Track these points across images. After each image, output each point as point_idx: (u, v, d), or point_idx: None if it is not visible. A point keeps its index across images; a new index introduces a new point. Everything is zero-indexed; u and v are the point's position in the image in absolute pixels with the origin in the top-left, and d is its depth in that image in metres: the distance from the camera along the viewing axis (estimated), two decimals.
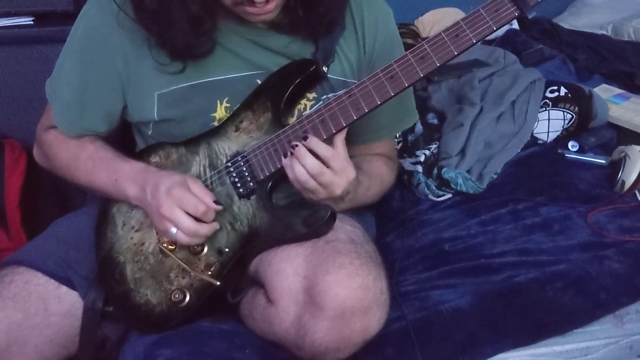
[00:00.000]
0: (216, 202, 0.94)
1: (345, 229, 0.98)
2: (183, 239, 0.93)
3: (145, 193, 0.95)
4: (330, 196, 0.92)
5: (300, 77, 0.99)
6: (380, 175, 1.11)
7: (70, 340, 1.00)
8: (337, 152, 0.91)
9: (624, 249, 1.17)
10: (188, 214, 0.91)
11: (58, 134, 1.07)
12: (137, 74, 1.00)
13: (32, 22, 1.60)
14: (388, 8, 1.12)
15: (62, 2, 1.60)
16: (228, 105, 1.01)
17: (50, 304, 0.98)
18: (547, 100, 1.55)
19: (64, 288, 1.00)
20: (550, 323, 1.03)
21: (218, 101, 1.01)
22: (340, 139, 0.92)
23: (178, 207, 0.91)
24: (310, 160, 0.89)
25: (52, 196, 1.66)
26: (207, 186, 0.97)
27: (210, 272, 0.97)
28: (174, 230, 0.92)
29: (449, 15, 2.13)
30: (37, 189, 1.60)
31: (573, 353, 1.01)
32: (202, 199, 0.92)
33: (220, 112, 1.02)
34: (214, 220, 0.95)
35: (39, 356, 0.97)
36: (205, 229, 0.93)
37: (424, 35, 2.06)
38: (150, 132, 1.05)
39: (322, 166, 0.89)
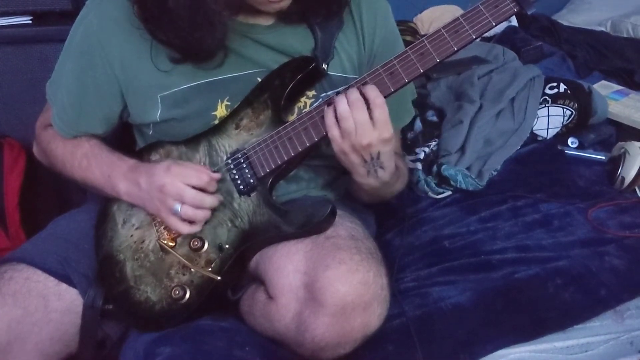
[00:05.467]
0: (214, 171, 0.96)
1: (346, 226, 0.98)
2: (188, 212, 0.93)
3: (138, 187, 0.96)
4: (358, 147, 0.91)
5: (300, 75, 0.98)
6: (403, 170, 1.11)
7: (72, 338, 1.00)
8: (385, 104, 0.90)
9: (624, 245, 1.17)
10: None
11: (55, 131, 1.07)
12: (137, 78, 1.00)
13: (30, 22, 1.60)
14: (386, 3, 1.12)
15: (61, 2, 1.60)
16: (229, 104, 1.01)
17: (51, 300, 0.98)
18: (546, 97, 1.55)
19: (64, 285, 1.00)
20: (551, 319, 1.03)
21: (219, 100, 1.01)
22: None
23: (181, 181, 0.92)
24: (354, 95, 0.89)
25: (51, 196, 1.66)
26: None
27: (210, 269, 0.97)
28: (178, 206, 0.92)
29: (448, 13, 2.13)
30: (36, 189, 1.60)
31: (573, 349, 1.01)
32: (200, 170, 0.94)
33: (221, 111, 1.02)
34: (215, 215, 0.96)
35: (39, 353, 0.97)
36: (210, 199, 0.94)
37: (422, 33, 2.05)
38: (151, 132, 1.05)
39: (363, 102, 0.89)
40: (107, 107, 1.04)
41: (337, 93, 0.93)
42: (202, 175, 0.93)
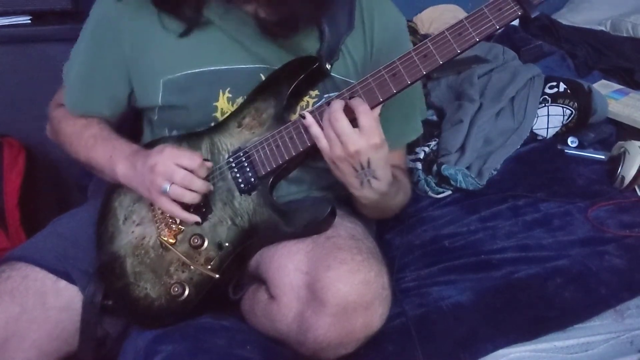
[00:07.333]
0: (205, 159, 0.97)
1: (346, 226, 0.98)
2: (176, 192, 0.93)
3: (134, 169, 0.97)
4: (346, 156, 0.90)
5: (303, 74, 0.99)
6: (404, 183, 1.11)
7: (71, 335, 1.01)
8: (369, 110, 0.90)
9: (624, 244, 1.17)
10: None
11: (67, 111, 1.11)
12: (143, 60, 1.03)
13: (29, 21, 1.60)
14: (401, 17, 1.12)
15: (60, 1, 1.60)
16: (230, 95, 1.02)
17: (49, 298, 0.99)
18: (546, 96, 1.55)
19: (63, 282, 1.01)
20: (551, 318, 1.02)
21: (220, 90, 1.02)
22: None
23: (172, 161, 0.93)
24: (334, 106, 0.89)
25: (51, 195, 1.67)
26: (208, 181, 0.98)
27: (210, 266, 0.97)
28: (167, 186, 0.93)
29: (448, 12, 2.13)
30: (36, 188, 1.60)
31: (574, 348, 1.01)
32: (194, 153, 0.95)
33: (223, 102, 1.02)
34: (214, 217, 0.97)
35: (38, 351, 0.97)
36: (199, 182, 0.94)
37: (422, 32, 2.05)
38: (156, 118, 1.07)
39: (342, 112, 0.89)
40: (114, 88, 1.07)
41: (329, 98, 0.94)
42: (195, 156, 0.94)
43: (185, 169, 0.93)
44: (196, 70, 1.01)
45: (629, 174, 1.33)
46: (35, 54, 1.59)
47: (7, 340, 0.95)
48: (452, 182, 1.37)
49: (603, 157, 1.47)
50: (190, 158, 0.94)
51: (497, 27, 0.88)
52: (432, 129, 1.50)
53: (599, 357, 1.02)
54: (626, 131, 1.58)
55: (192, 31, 1.01)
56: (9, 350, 0.95)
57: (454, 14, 2.09)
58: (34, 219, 1.55)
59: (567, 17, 2.28)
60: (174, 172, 0.92)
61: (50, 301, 0.99)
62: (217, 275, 0.97)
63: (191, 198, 0.95)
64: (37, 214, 1.59)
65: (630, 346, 1.03)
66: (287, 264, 0.92)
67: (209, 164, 0.98)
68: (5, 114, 1.61)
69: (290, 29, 0.99)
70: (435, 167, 1.39)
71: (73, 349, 1.02)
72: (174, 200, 0.94)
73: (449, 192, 1.39)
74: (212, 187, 0.98)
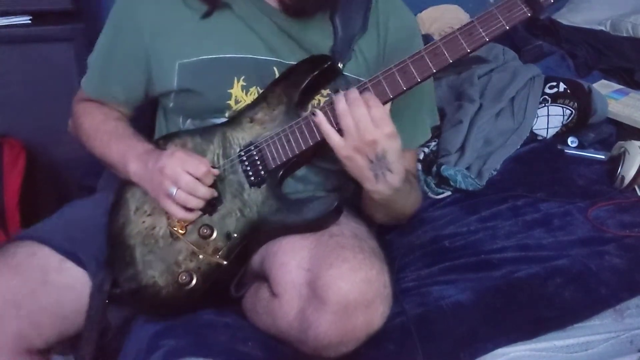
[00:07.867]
0: (213, 167, 0.99)
1: (350, 225, 0.99)
2: (181, 197, 0.95)
3: (145, 168, 0.99)
4: (361, 145, 0.92)
5: (316, 72, 1.00)
6: (416, 186, 1.12)
7: (68, 316, 1.01)
8: (380, 103, 0.92)
9: (624, 244, 1.17)
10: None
11: (87, 106, 1.14)
12: (162, 44, 1.04)
13: (29, 21, 1.60)
14: (416, 23, 1.13)
15: (60, 1, 1.60)
16: (244, 84, 1.04)
17: (51, 274, 1.00)
18: (546, 97, 1.56)
19: (69, 263, 1.02)
20: (551, 318, 1.03)
21: (235, 78, 1.03)
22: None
23: (179, 166, 0.94)
24: (353, 94, 0.91)
25: (51, 195, 1.66)
26: (220, 174, 1.00)
27: (218, 256, 0.99)
28: (173, 189, 0.94)
29: (449, 12, 2.13)
30: (36, 188, 1.60)
31: (573, 348, 1.02)
32: (201, 161, 0.97)
33: (237, 90, 1.04)
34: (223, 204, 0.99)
35: (31, 322, 0.98)
36: (203, 190, 0.96)
37: (423, 32, 2.05)
38: (171, 105, 1.08)
39: (362, 100, 0.91)
40: (130, 75, 1.09)
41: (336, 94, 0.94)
42: (201, 165, 0.96)
43: (192, 174, 0.95)
44: (212, 57, 1.03)
45: (629, 174, 1.34)
46: (35, 54, 1.59)
47: (3, 308, 0.96)
48: (452, 183, 1.37)
49: (603, 157, 1.47)
50: (196, 166, 0.95)
51: (507, 27, 0.90)
52: (432, 130, 1.50)
53: (598, 356, 1.02)
54: (626, 131, 1.59)
55: (213, 13, 1.03)
56: (5, 319, 0.97)
57: (455, 14, 2.09)
58: (34, 219, 1.54)
59: (567, 17, 2.28)
60: (179, 178, 0.94)
61: (52, 277, 1.00)
62: (225, 262, 0.98)
63: (195, 203, 0.96)
64: (37, 214, 1.59)
65: (630, 345, 1.03)
66: (290, 261, 0.93)
67: (215, 171, 0.99)
68: (5, 114, 1.61)
69: (308, 9, 1.01)
70: (435, 168, 1.39)
71: (70, 331, 1.02)
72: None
73: (449, 193, 1.39)
74: (215, 194, 0.99)
